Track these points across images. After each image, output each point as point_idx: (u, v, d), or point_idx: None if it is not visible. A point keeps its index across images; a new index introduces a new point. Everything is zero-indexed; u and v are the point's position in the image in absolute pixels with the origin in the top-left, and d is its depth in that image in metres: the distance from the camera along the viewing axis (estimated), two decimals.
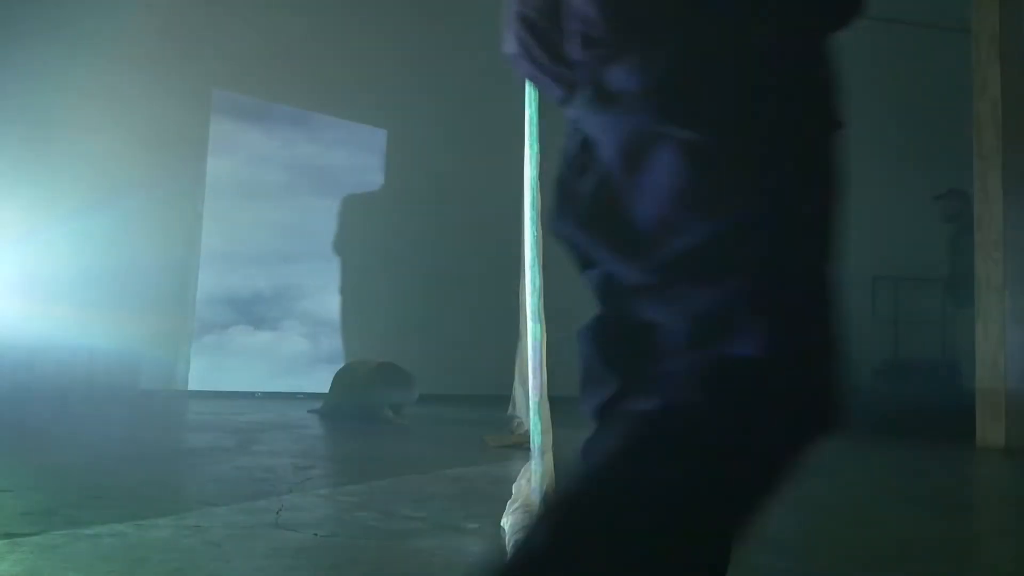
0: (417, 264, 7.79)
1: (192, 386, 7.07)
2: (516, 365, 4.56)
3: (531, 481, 1.73)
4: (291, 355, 7.60)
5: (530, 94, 1.82)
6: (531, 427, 1.78)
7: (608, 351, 0.76)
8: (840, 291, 0.80)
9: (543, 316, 1.89)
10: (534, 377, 1.81)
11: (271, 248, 7.62)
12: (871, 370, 7.64)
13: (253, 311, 7.47)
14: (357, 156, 8.10)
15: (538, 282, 1.80)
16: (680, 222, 0.69)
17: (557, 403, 2.87)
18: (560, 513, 0.68)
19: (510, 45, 0.85)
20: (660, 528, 0.66)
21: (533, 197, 1.84)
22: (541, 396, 1.85)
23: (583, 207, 0.76)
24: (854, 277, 7.23)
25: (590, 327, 0.78)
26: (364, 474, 2.99)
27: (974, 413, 4.48)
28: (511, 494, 2.18)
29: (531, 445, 1.79)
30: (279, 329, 7.59)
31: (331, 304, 7.87)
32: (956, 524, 2.49)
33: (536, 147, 1.82)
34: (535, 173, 1.83)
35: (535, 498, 1.66)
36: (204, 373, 7.16)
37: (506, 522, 1.90)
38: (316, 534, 1.87)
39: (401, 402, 5.25)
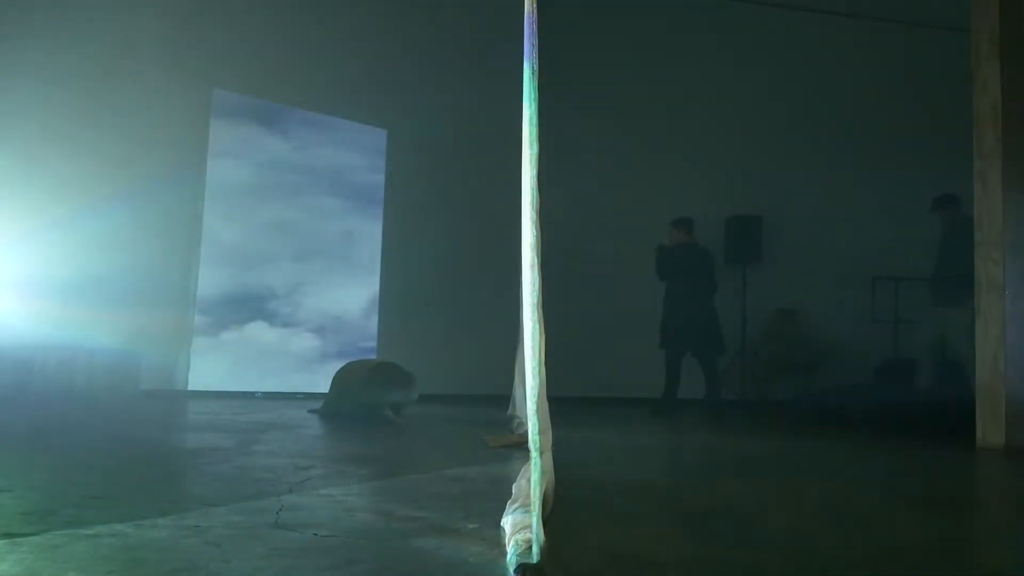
0: (417, 264, 7.79)
1: (192, 386, 7.07)
2: (516, 365, 4.56)
3: (531, 481, 1.73)
4: (290, 354, 7.60)
5: (530, 94, 1.81)
6: (530, 427, 1.78)
7: None
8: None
9: (542, 316, 1.89)
10: (533, 377, 1.81)
11: (271, 248, 7.62)
12: (871, 370, 7.64)
13: (252, 311, 7.47)
14: (357, 156, 8.10)
15: (538, 282, 1.80)
16: None
17: (557, 403, 2.87)
18: None
19: None
20: None
21: (533, 197, 1.84)
22: (540, 396, 1.84)
23: None
24: (854, 277, 7.26)
25: None
26: (364, 474, 2.99)
27: (974, 413, 4.48)
28: (511, 494, 2.18)
29: (530, 445, 1.79)
30: (278, 329, 7.59)
31: (330, 304, 7.87)
32: (956, 524, 2.49)
33: (536, 147, 1.82)
34: (535, 173, 1.83)
35: (535, 498, 1.66)
36: (204, 373, 7.16)
37: (506, 522, 1.90)
38: (316, 534, 1.87)
39: (401, 402, 5.25)
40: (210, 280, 7.27)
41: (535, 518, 1.60)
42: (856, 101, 8.05)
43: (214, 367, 7.19)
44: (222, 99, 7.46)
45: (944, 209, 6.61)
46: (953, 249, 6.40)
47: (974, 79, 4.64)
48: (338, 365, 5.83)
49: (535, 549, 1.56)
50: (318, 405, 5.64)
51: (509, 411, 4.97)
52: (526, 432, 3.70)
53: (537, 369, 1.81)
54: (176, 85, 7.02)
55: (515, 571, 1.54)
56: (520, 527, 1.75)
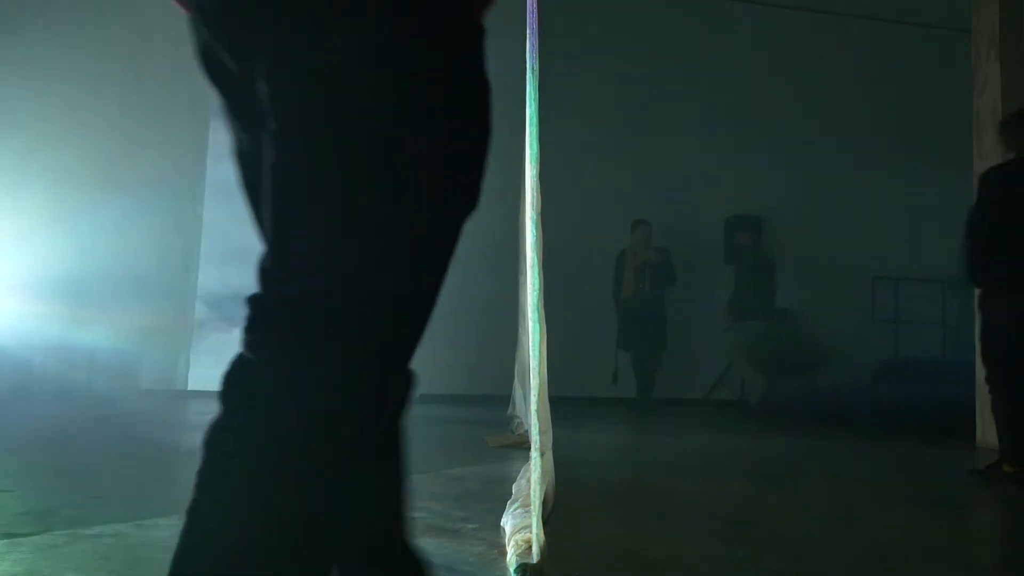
0: None
1: (192, 386, 7.07)
2: (516, 365, 4.56)
3: (531, 481, 1.73)
4: None
5: (530, 94, 1.81)
6: (531, 427, 1.78)
7: None
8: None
9: (543, 316, 1.89)
10: (534, 377, 1.81)
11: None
12: (871, 370, 7.64)
13: None
14: None
15: (538, 282, 1.80)
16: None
17: (557, 403, 2.87)
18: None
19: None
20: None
21: (534, 197, 1.84)
22: (541, 396, 1.85)
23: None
24: (854, 277, 7.27)
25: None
26: None
27: (974, 413, 4.47)
28: (511, 494, 2.18)
29: (531, 445, 1.79)
30: None
31: None
32: (956, 524, 2.49)
33: (536, 147, 1.82)
34: (536, 172, 1.83)
35: (535, 498, 1.66)
36: (204, 373, 7.15)
37: (506, 522, 1.90)
38: None
39: None
40: (211, 279, 7.27)
41: (535, 518, 1.60)
42: (856, 101, 8.05)
43: (214, 366, 7.19)
44: None
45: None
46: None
47: (974, 79, 4.64)
48: None
49: (535, 549, 1.56)
50: None
51: (509, 411, 4.97)
52: (526, 432, 3.70)
53: (538, 369, 1.81)
54: (176, 86, 7.02)
55: (515, 571, 1.54)
56: (520, 527, 1.75)
